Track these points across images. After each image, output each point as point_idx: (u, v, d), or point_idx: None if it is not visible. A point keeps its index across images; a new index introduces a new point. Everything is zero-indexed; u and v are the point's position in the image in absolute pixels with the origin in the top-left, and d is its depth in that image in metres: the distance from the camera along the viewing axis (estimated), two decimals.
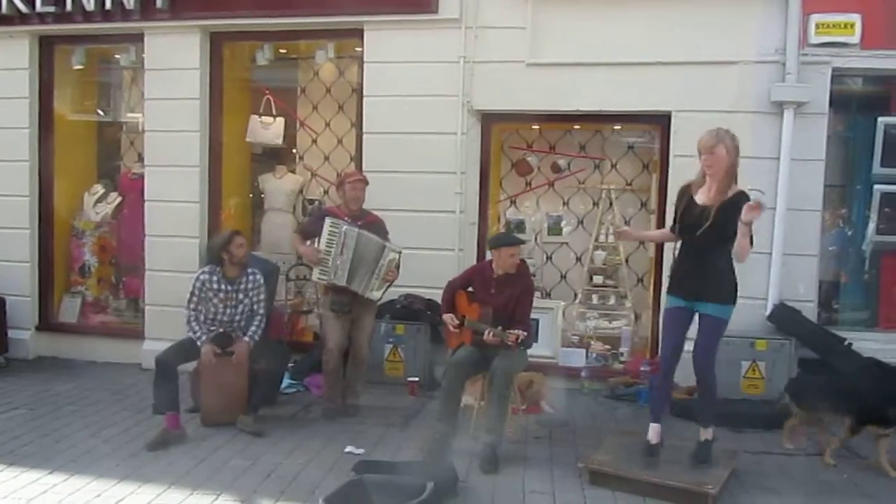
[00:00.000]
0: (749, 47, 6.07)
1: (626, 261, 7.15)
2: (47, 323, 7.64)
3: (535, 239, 7.44)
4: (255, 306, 5.44)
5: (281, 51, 7.49)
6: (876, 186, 6.15)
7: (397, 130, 6.61)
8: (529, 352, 5.18)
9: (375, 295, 5.55)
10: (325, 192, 7.67)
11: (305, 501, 4.06)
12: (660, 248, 6.39)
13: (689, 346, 4.54)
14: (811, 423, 5.10)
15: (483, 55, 6.48)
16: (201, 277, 5.32)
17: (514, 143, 7.47)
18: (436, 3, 6.47)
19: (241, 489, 4.22)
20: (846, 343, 5.91)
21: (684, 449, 4.60)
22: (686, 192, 4.45)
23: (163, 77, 7.04)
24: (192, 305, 5.30)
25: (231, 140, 7.37)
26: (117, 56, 7.66)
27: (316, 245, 5.51)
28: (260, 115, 7.47)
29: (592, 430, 5.45)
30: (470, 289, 5.18)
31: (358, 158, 6.95)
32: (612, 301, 7.15)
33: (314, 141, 7.85)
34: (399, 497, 3.65)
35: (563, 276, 7.46)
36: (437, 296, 5.62)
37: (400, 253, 5.53)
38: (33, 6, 7.07)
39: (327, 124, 7.79)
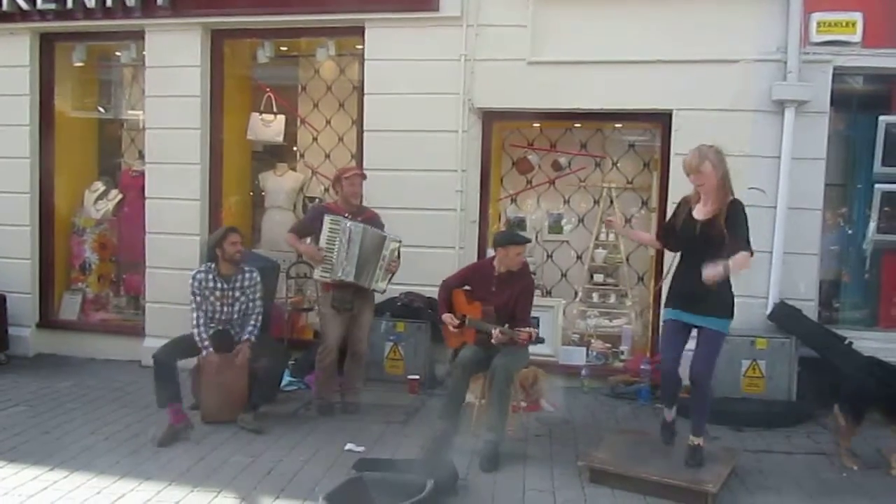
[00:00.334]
0: (750, 46, 6.07)
1: (627, 259, 7.16)
2: (48, 320, 7.64)
3: (536, 237, 7.43)
4: (252, 304, 5.43)
5: (282, 48, 7.49)
6: (877, 185, 6.15)
7: (398, 128, 6.61)
8: (530, 350, 5.16)
9: (381, 286, 5.55)
10: (326, 189, 7.66)
11: (306, 499, 4.06)
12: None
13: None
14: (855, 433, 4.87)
15: (484, 53, 6.48)
16: (198, 276, 5.31)
17: (515, 141, 7.47)
18: (437, 0, 6.47)
19: (242, 486, 4.23)
20: (846, 342, 5.91)
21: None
22: (685, 205, 4.48)
23: (163, 74, 7.05)
24: (194, 304, 5.28)
25: (232, 137, 7.37)
26: (118, 53, 7.70)
27: (315, 243, 5.50)
28: (261, 112, 7.46)
29: (592, 428, 5.46)
30: (466, 287, 5.17)
31: (359, 156, 6.95)
32: (612, 299, 7.16)
33: (315, 139, 7.85)
34: (399, 495, 3.65)
35: (564, 275, 7.46)
36: (437, 294, 5.61)
37: (400, 242, 5.54)
38: (34, 3, 7.07)
39: (328, 122, 7.79)
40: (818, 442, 5.24)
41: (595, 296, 7.20)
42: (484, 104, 6.56)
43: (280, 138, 7.54)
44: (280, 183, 7.50)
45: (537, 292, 6.92)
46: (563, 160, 7.37)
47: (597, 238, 7.17)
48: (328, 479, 4.27)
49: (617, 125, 7.14)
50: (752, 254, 4.23)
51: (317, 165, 7.79)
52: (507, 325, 4.76)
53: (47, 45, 7.46)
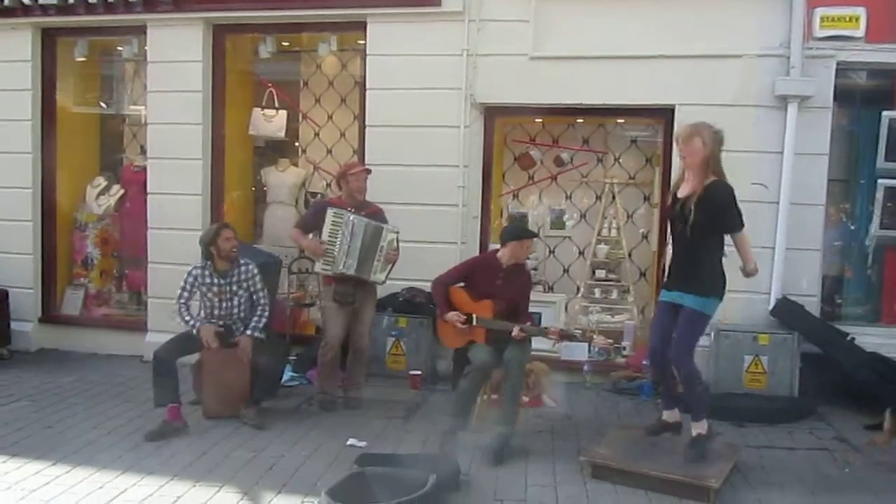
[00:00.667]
0: (753, 41, 6.05)
1: (629, 255, 7.15)
2: (50, 315, 7.65)
3: (538, 232, 7.42)
4: (255, 297, 5.43)
5: (283, 43, 7.47)
6: (880, 181, 6.13)
7: (400, 123, 6.60)
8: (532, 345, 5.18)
9: (380, 277, 5.54)
10: (328, 185, 7.65)
11: (308, 494, 4.06)
12: (662, 243, 6.37)
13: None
14: None
15: (486, 48, 6.47)
16: (193, 273, 5.31)
17: (517, 136, 7.46)
18: None
19: (244, 481, 4.23)
20: (849, 338, 5.91)
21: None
22: (673, 189, 4.49)
23: (165, 70, 7.04)
24: (181, 301, 5.27)
25: (233, 133, 7.36)
26: (120, 48, 7.68)
27: (318, 237, 5.50)
28: (262, 107, 7.45)
29: (594, 423, 5.45)
30: (460, 284, 5.15)
31: (360, 151, 6.94)
32: (614, 295, 7.14)
33: (317, 134, 7.84)
34: (401, 490, 3.64)
35: (566, 270, 7.46)
36: (433, 292, 5.61)
37: (397, 233, 5.53)
38: None
39: (330, 117, 7.78)
40: (820, 438, 5.24)
41: (597, 291, 7.19)
42: (486, 99, 6.55)
43: (282, 133, 7.53)
44: (282, 178, 7.50)
45: (539, 288, 6.97)
46: (565, 155, 7.36)
47: (599, 234, 7.16)
48: (330, 474, 4.28)
49: (619, 120, 7.13)
50: (744, 230, 4.28)
51: (319, 161, 7.78)
52: (529, 324, 4.92)
53: (49, 41, 7.46)
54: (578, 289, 7.26)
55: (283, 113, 7.48)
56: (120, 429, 5.11)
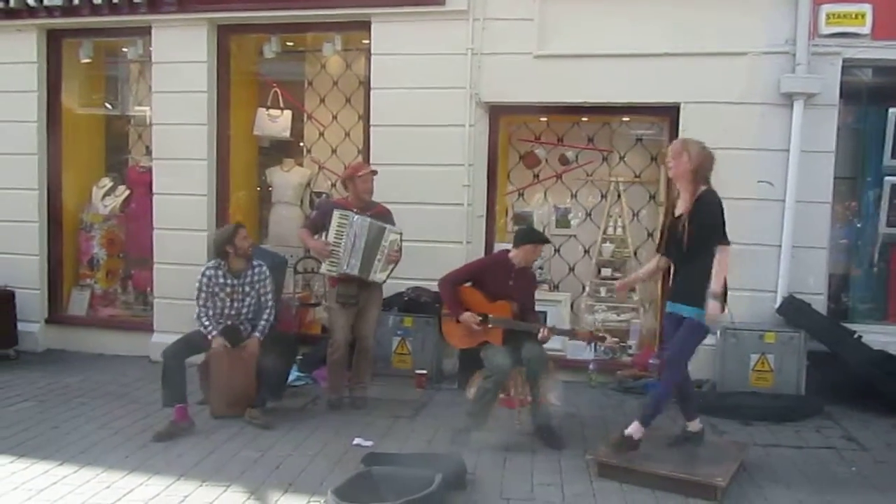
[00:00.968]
0: (759, 38, 6.03)
1: (635, 253, 7.13)
2: (56, 316, 7.67)
3: (543, 230, 7.40)
4: (264, 299, 5.44)
5: (288, 43, 7.47)
6: (886, 178, 6.12)
7: (405, 123, 6.60)
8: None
9: (381, 277, 5.52)
10: (333, 184, 7.67)
11: (314, 493, 4.06)
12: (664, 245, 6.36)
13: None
14: None
15: (491, 47, 6.46)
16: (207, 273, 5.32)
17: (522, 135, 7.45)
18: None
19: (250, 481, 4.23)
20: (856, 336, 5.89)
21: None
22: (670, 206, 4.53)
23: (170, 70, 7.05)
24: (200, 301, 5.29)
25: (238, 133, 7.37)
26: (125, 49, 7.69)
27: (324, 238, 5.50)
28: (267, 107, 7.45)
29: (600, 422, 5.45)
30: (467, 284, 5.16)
31: (365, 151, 6.94)
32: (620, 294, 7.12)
33: (321, 134, 7.84)
34: (407, 489, 3.64)
35: (571, 269, 7.44)
36: (441, 292, 5.60)
37: (400, 233, 5.52)
38: (41, 0, 7.08)
39: (334, 117, 7.78)
40: (827, 436, 5.22)
41: (603, 290, 7.16)
42: (490, 98, 6.55)
43: (287, 133, 7.53)
44: (287, 178, 7.51)
45: (544, 287, 6.96)
46: (570, 154, 7.34)
47: (604, 232, 7.14)
48: (336, 473, 4.28)
49: (624, 119, 7.10)
50: (727, 245, 4.24)
51: (323, 160, 7.78)
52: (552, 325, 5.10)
53: (54, 42, 7.48)
54: (584, 287, 7.24)
55: (287, 113, 7.49)
56: (126, 429, 5.11)
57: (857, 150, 6.52)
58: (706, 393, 5.83)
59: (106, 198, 7.78)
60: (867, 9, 5.90)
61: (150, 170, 7.33)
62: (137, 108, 8.04)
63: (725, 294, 4.31)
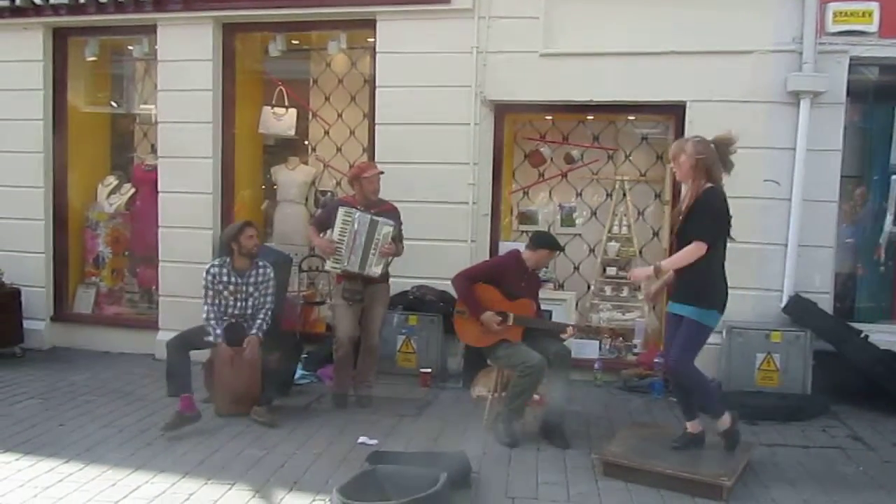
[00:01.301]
0: (765, 36, 6.01)
1: (640, 252, 7.11)
2: (62, 314, 7.70)
3: (549, 230, 7.39)
4: (263, 299, 5.44)
5: (293, 42, 7.47)
6: (893, 177, 6.11)
7: (410, 121, 6.60)
8: None
9: (375, 271, 5.49)
10: (338, 183, 7.67)
11: (319, 492, 4.06)
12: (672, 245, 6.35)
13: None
14: None
15: (496, 45, 6.45)
16: (212, 270, 5.32)
17: (527, 133, 7.43)
18: None
19: (255, 479, 4.24)
20: (862, 335, 5.87)
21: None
22: (679, 202, 4.56)
23: (175, 68, 7.06)
24: (209, 300, 5.30)
25: (243, 131, 7.37)
26: (130, 48, 7.71)
27: (329, 235, 5.51)
28: (272, 106, 7.46)
29: (605, 421, 5.44)
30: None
31: (370, 149, 6.94)
32: (625, 293, 7.11)
33: (327, 132, 7.85)
34: (412, 488, 3.64)
35: (576, 268, 7.43)
36: (449, 287, 5.60)
37: (392, 226, 5.48)
38: None
39: (340, 115, 7.78)
40: (834, 436, 5.21)
41: (608, 289, 7.15)
42: (496, 97, 6.54)
43: (292, 132, 7.54)
44: (292, 176, 7.51)
45: (550, 286, 6.96)
46: (575, 153, 7.32)
47: (609, 231, 7.13)
48: (341, 472, 4.28)
49: (630, 117, 7.09)
50: (704, 244, 4.18)
51: (328, 159, 7.79)
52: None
53: (60, 40, 7.49)
54: (589, 286, 7.23)
55: (292, 111, 7.50)
56: (132, 426, 5.12)
57: (863, 149, 6.49)
58: (714, 386, 5.81)
59: (111, 196, 7.79)
60: (874, 7, 5.88)
61: (155, 168, 7.34)
62: (143, 106, 8.04)
63: (726, 293, 4.33)
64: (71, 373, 6.57)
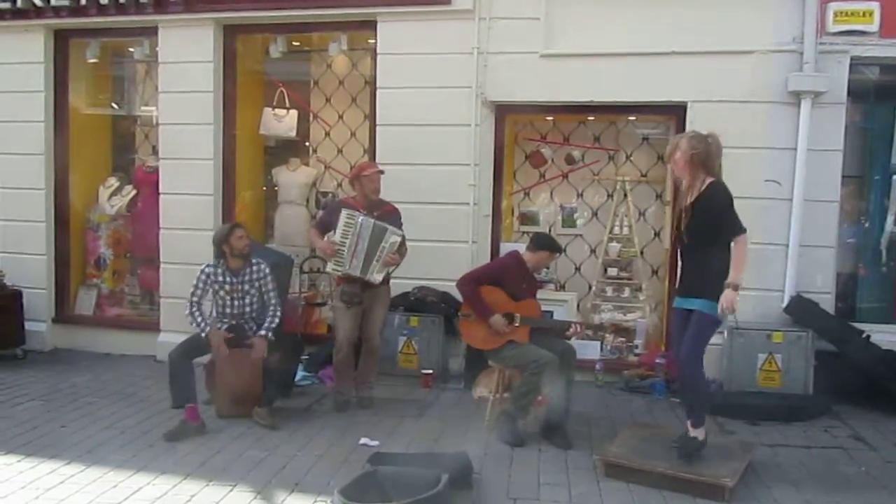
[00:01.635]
0: (766, 36, 6.01)
1: (641, 253, 7.11)
2: (63, 315, 7.70)
3: (550, 231, 7.39)
4: (267, 297, 5.44)
5: (294, 43, 7.47)
6: (894, 177, 6.09)
7: (411, 122, 6.60)
8: None
9: (376, 278, 5.49)
10: (339, 184, 7.67)
11: (320, 493, 4.06)
12: (675, 241, 6.35)
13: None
14: None
15: (497, 46, 6.45)
16: (206, 271, 5.33)
17: (528, 134, 7.44)
18: None
19: (256, 481, 4.24)
20: (864, 335, 5.86)
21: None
22: (680, 200, 4.50)
23: (176, 70, 7.06)
24: (194, 298, 5.29)
25: (244, 133, 7.37)
26: (131, 49, 7.72)
27: (331, 237, 5.51)
28: (273, 107, 7.46)
29: (607, 422, 5.44)
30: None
31: (371, 151, 6.94)
32: (626, 293, 7.11)
33: (327, 133, 7.85)
34: (414, 489, 3.64)
35: (578, 268, 7.42)
36: (450, 288, 5.61)
37: (401, 236, 5.50)
38: (48, 0, 7.10)
39: (340, 117, 7.78)
40: (835, 436, 5.20)
41: (609, 290, 7.15)
42: (496, 97, 6.54)
43: (293, 133, 7.54)
44: (293, 178, 7.52)
45: (551, 286, 6.95)
46: (576, 153, 7.32)
47: (611, 231, 7.13)
48: (343, 473, 4.28)
49: (631, 118, 7.09)
50: (744, 233, 4.19)
51: (329, 160, 7.79)
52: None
53: (61, 42, 7.49)
54: (590, 287, 7.23)
55: (293, 112, 7.50)
56: (133, 428, 5.13)
57: (864, 149, 6.49)
58: (713, 393, 5.81)
59: (112, 198, 7.80)
60: (875, 7, 5.88)
61: (156, 170, 7.34)
62: (144, 107, 8.05)
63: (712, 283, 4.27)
64: (72, 374, 6.57)
